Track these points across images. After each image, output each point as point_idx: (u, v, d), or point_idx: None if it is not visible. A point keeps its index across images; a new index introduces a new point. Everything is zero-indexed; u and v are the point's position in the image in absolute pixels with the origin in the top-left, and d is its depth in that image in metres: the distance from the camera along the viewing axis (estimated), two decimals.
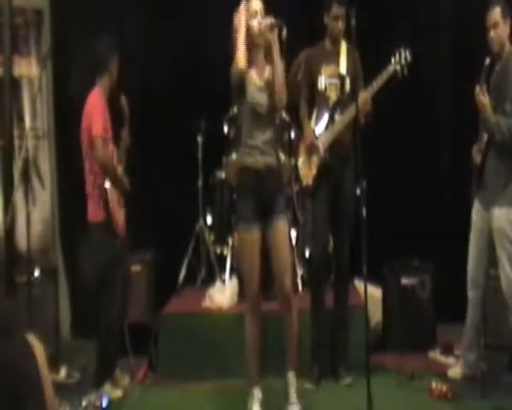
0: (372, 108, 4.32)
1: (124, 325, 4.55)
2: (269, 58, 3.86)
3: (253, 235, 3.82)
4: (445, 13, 5.81)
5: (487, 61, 4.03)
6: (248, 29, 3.85)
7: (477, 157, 4.19)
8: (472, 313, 4.30)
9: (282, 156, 3.99)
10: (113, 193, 4.31)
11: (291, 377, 3.93)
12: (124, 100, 4.48)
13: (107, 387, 4.25)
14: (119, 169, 4.41)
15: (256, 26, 3.83)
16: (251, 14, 3.85)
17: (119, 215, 4.37)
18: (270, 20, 3.79)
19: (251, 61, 3.89)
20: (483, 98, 4.00)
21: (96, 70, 4.36)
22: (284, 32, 3.88)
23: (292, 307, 3.90)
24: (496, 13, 4.04)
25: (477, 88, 4.02)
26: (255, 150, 3.84)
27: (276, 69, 3.81)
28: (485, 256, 4.24)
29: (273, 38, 3.79)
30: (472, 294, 4.29)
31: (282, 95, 3.82)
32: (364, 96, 4.28)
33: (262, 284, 3.93)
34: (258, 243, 3.84)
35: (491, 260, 4.22)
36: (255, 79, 3.89)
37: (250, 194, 3.84)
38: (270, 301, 4.17)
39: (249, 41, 3.85)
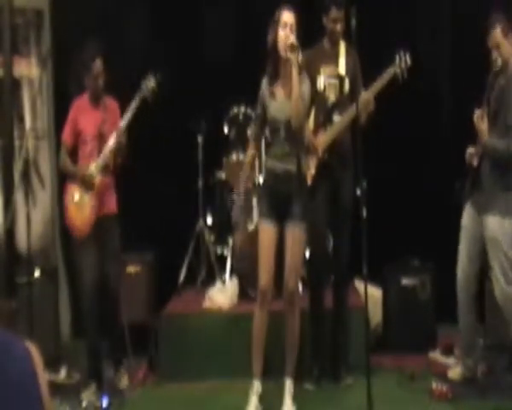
0: (374, 108, 4.33)
1: (115, 326, 4.52)
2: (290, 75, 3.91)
3: (269, 228, 3.97)
4: (445, 13, 5.80)
5: (496, 80, 4.02)
6: (276, 39, 3.90)
7: (474, 160, 4.17)
8: (464, 317, 4.29)
9: (304, 165, 4.07)
10: (71, 193, 4.37)
11: (288, 383, 4.01)
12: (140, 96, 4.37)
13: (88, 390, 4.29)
14: (91, 169, 4.35)
15: (281, 39, 3.87)
16: (281, 25, 3.89)
17: (78, 216, 4.35)
18: (291, 41, 3.83)
19: (277, 72, 3.98)
20: (481, 124, 4.00)
21: (81, 74, 4.41)
22: (300, 56, 3.87)
23: (295, 306, 4.00)
24: (496, 34, 4.03)
25: (477, 113, 4.02)
26: (276, 159, 4.01)
27: (293, 90, 3.86)
28: (476, 262, 4.24)
29: (293, 59, 3.83)
30: (462, 298, 4.28)
31: (297, 114, 3.89)
32: (367, 96, 4.29)
33: (275, 281, 4.01)
34: (274, 238, 3.98)
35: (486, 262, 4.22)
36: (278, 93, 3.98)
37: (268, 193, 4.04)
38: (279, 299, 4.18)
39: (277, 51, 3.91)
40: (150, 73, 4.41)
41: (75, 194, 4.36)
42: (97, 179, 4.33)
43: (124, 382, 4.49)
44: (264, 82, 4.03)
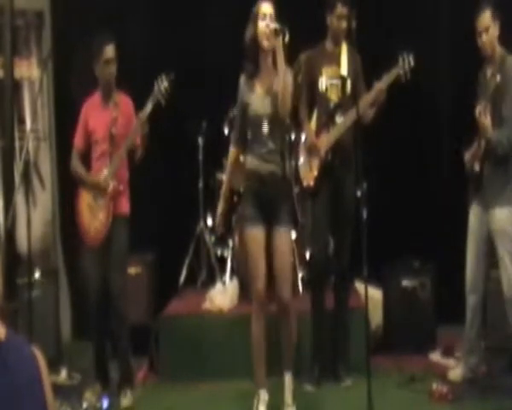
0: (384, 99, 4.31)
1: (120, 330, 4.48)
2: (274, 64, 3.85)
3: (257, 233, 3.85)
4: (445, 14, 5.80)
5: (490, 75, 4.02)
6: (256, 32, 3.85)
7: (475, 165, 4.17)
8: (472, 318, 4.30)
9: (288, 165, 3.95)
10: (83, 199, 4.30)
11: (287, 379, 3.95)
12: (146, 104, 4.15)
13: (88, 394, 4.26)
14: (103, 173, 4.23)
15: (262, 30, 3.82)
16: (260, 17, 3.85)
17: (90, 222, 4.26)
18: (274, 25, 3.78)
19: (257, 67, 3.91)
20: (485, 119, 3.97)
21: (91, 63, 4.22)
22: (287, 38, 3.81)
23: (290, 315, 3.90)
24: (486, 17, 4.07)
25: (478, 108, 4.00)
26: (260, 158, 3.88)
27: (279, 75, 3.78)
28: (484, 260, 4.25)
29: (278, 44, 3.77)
30: (472, 299, 4.29)
31: (285, 101, 3.79)
32: (380, 85, 4.28)
33: (268, 284, 3.92)
34: (263, 243, 3.86)
35: (492, 262, 4.22)
36: (259, 88, 3.91)
37: (253, 196, 3.89)
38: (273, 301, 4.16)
39: (257, 45, 3.87)
40: (163, 73, 4.16)
41: (89, 200, 4.26)
42: (111, 186, 4.19)
43: (127, 400, 4.28)
44: (243, 79, 3.95)
